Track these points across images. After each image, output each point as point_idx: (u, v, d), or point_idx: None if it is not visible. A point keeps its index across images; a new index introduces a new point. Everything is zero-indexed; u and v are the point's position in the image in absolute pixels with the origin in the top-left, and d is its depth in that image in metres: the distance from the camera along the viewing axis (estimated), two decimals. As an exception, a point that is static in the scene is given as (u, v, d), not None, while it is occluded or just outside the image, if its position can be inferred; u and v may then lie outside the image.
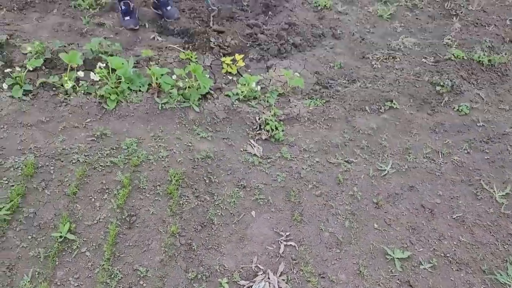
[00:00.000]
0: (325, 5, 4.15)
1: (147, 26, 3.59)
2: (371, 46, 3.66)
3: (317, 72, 3.30)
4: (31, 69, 2.66)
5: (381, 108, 2.99)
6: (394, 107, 2.99)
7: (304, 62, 3.39)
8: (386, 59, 3.50)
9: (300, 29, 3.77)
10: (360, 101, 3.02)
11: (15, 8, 3.45)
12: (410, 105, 3.04)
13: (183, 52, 3.28)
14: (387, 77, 3.28)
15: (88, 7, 3.61)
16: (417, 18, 4.11)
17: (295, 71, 3.23)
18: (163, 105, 2.73)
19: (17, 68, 2.61)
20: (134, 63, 2.96)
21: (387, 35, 3.85)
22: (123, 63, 2.73)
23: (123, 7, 3.51)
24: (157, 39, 3.46)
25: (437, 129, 2.87)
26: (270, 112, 2.83)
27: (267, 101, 2.95)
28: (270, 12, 4.02)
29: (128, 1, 3.52)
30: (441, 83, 3.18)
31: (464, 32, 3.91)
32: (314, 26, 3.87)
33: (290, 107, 2.94)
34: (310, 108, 2.94)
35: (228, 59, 3.21)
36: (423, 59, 3.52)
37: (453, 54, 3.46)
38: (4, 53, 2.84)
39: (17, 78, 2.57)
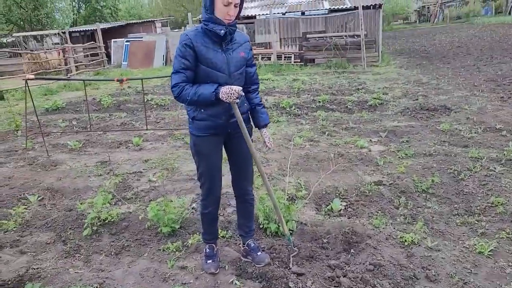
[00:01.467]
0: (412, 240, 3.90)
1: (226, 268, 3.61)
2: (477, 293, 3.13)
3: (414, 330, 2.79)
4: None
5: None
6: None
7: (396, 315, 2.94)
8: (501, 312, 2.89)
9: (387, 271, 3.45)
10: None
11: (112, 253, 3.80)
12: None
13: (260, 300, 3.12)
14: None
15: (175, 250, 3.84)
16: (527, 255, 3.57)
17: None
18: None
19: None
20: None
21: (495, 277, 3.31)
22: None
23: (207, 250, 3.65)
24: (235, 283, 3.39)
25: None
26: None
27: None
28: (352, 250, 3.86)
29: (213, 245, 3.69)
30: None
31: None
32: (403, 266, 3.53)
33: None
34: None
35: (308, 310, 2.93)
36: (552, 314, 2.84)
37: None
38: (90, 304, 2.96)
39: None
